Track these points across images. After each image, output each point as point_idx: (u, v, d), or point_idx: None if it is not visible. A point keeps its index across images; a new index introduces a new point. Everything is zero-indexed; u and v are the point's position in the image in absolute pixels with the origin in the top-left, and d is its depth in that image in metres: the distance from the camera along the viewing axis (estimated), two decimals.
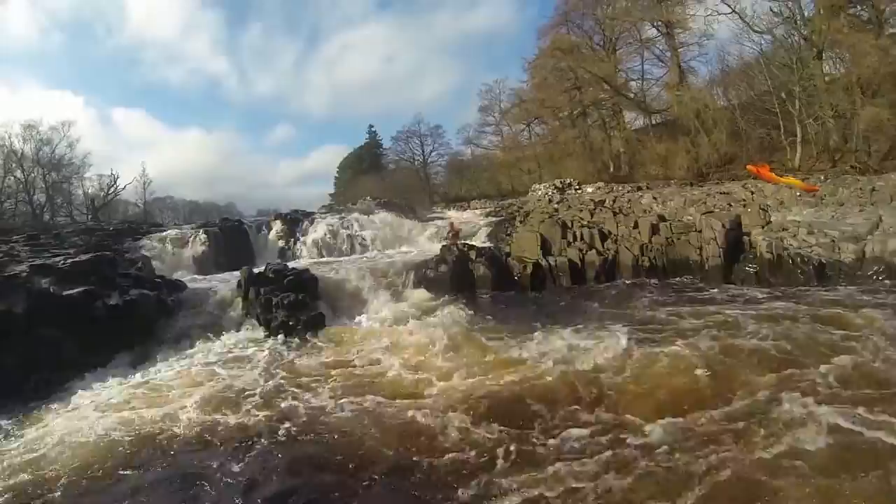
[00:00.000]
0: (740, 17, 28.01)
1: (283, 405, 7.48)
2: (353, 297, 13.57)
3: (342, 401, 7.39)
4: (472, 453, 5.78)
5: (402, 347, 9.73)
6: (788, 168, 23.54)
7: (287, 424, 6.79)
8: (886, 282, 11.93)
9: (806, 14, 26.46)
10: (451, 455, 5.77)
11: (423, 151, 50.89)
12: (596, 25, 36.17)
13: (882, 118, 22.14)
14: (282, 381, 8.48)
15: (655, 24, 33.26)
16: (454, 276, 14.66)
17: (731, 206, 16.90)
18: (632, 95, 34.71)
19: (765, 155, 25.26)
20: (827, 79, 25.87)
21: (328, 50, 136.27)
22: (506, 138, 44.23)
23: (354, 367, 8.98)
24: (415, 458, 5.77)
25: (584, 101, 35.30)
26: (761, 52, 28.30)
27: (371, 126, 61.74)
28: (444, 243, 17.36)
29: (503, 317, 11.73)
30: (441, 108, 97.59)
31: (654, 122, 34.31)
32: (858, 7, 26.77)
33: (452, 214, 28.89)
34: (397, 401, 7.31)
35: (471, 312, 12.08)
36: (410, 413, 6.82)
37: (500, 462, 5.59)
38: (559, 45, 36.16)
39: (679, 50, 33.16)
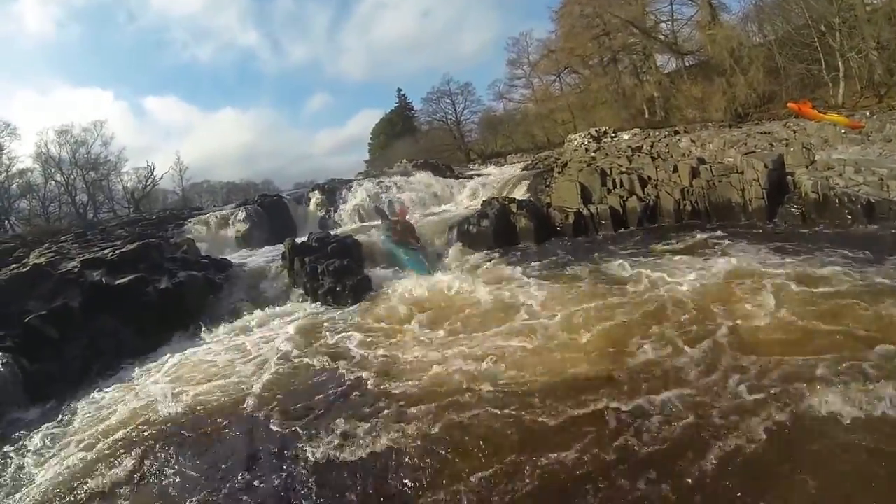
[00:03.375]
0: None
1: (341, 362, 7.78)
2: (391, 261, 13.75)
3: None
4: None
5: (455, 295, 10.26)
6: (831, 105, 22.82)
7: (350, 376, 7.20)
8: None
9: None
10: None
11: (454, 110, 50.33)
12: None
13: None
14: (335, 342, 8.73)
15: None
16: (497, 229, 14.74)
17: (772, 146, 16.41)
18: (662, 38, 33.96)
19: (806, 92, 24.55)
20: (868, 8, 25.09)
21: (362, 9, 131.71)
22: (536, 90, 43.59)
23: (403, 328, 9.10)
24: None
25: (614, 46, 34.67)
26: None
27: (400, 89, 61.29)
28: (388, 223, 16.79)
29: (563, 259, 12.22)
30: (483, 63, 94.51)
31: (686, 63, 33.60)
32: None
33: (491, 170, 28.78)
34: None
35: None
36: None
37: None
38: None
39: None
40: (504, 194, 18.63)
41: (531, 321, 8.27)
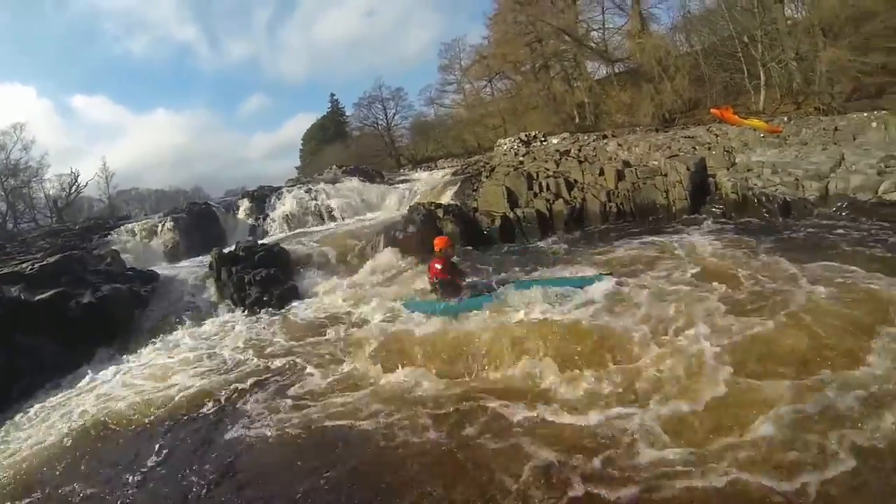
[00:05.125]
0: None
1: (255, 382, 7.39)
2: (325, 267, 13.56)
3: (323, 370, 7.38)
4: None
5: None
6: (753, 111, 23.85)
7: (265, 405, 6.65)
8: (844, 215, 11.91)
9: None
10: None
11: (386, 116, 49.99)
12: None
13: (843, 60, 22.38)
14: (256, 356, 8.42)
15: None
16: (423, 235, 14.32)
17: (695, 149, 16.88)
18: (593, 45, 34.55)
19: (729, 99, 25.56)
20: (789, 22, 26.29)
21: (306, 5, 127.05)
22: (468, 96, 44.00)
23: (327, 335, 8.93)
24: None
25: (546, 53, 35.08)
26: None
27: (333, 94, 60.98)
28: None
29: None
30: (424, 65, 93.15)
31: (616, 70, 34.44)
32: None
33: (421, 175, 28.41)
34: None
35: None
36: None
37: None
38: None
39: None
40: (432, 200, 18.48)
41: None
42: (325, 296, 11.65)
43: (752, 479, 3.99)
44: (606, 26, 35.29)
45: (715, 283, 7.74)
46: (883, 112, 18.28)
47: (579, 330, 6.64)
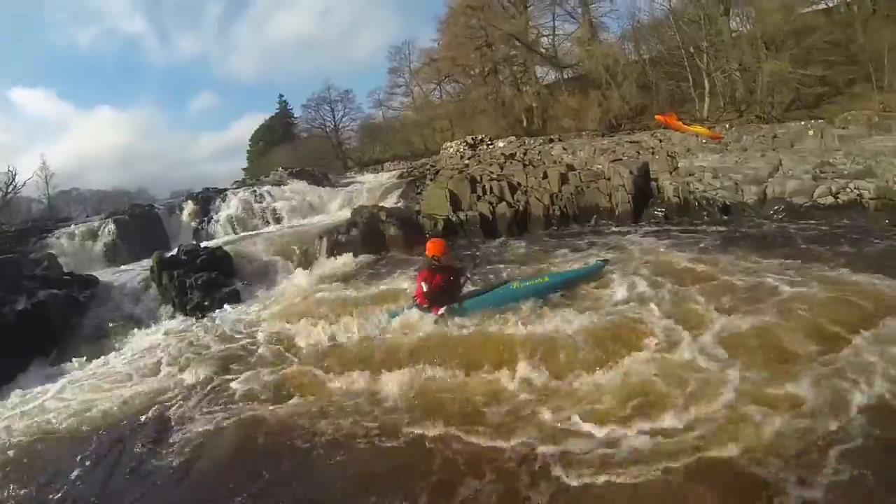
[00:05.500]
0: None
1: (193, 390, 7.04)
2: (268, 271, 13.31)
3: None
4: None
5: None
6: (697, 118, 24.43)
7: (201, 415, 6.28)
8: (781, 217, 12.41)
9: None
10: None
11: (334, 118, 49.02)
12: None
13: (784, 71, 23.47)
14: (196, 363, 7.89)
15: None
16: (365, 238, 14.35)
17: (639, 153, 17.04)
18: (543, 51, 34.78)
19: (675, 106, 25.86)
20: (733, 34, 27.32)
21: (259, 2, 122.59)
22: (416, 98, 43.53)
23: (267, 340, 8.53)
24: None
25: (495, 57, 35.06)
26: (671, 8, 29.40)
27: (281, 95, 59.72)
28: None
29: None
30: (376, 67, 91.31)
31: (565, 76, 34.74)
32: None
33: (367, 178, 28.33)
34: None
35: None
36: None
37: None
38: (470, 2, 35.35)
39: (591, 6, 33.71)
40: (376, 202, 18.36)
41: None
42: (267, 299, 11.36)
43: None
44: (557, 33, 35.53)
45: (697, 285, 7.61)
46: (820, 121, 19.15)
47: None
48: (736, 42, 26.87)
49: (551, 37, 35.51)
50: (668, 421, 4.49)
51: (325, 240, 14.28)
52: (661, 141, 18.46)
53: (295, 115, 54.51)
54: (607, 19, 34.82)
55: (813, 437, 4.06)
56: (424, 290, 7.55)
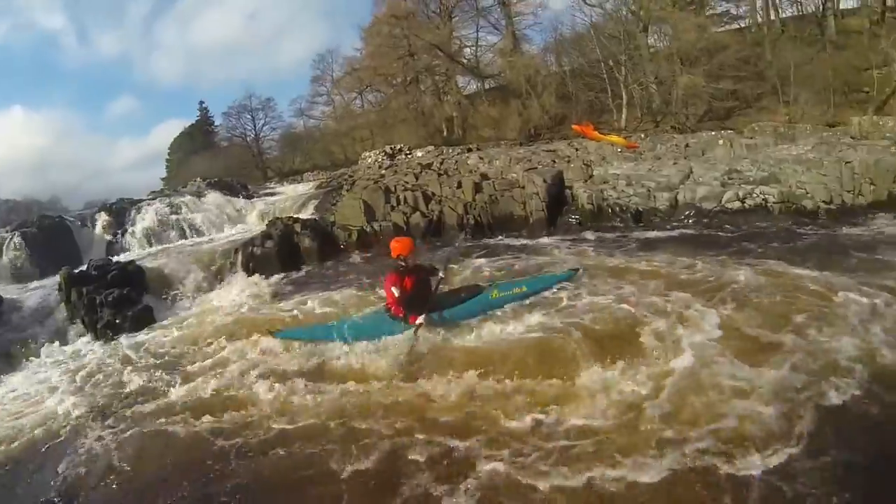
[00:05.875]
0: None
1: (101, 413, 6.64)
2: (183, 286, 12.63)
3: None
4: None
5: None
6: (615, 128, 25.09)
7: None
8: (691, 222, 13.11)
9: None
10: None
11: (254, 126, 47.51)
12: None
13: (698, 85, 24.67)
14: (104, 385, 7.58)
15: None
16: (280, 251, 13.96)
17: (555, 162, 17.16)
18: (465, 61, 34.94)
19: (593, 116, 26.73)
20: (651, 50, 28.65)
21: (185, 1, 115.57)
22: (338, 108, 42.76)
23: (182, 358, 8.20)
24: None
25: (418, 67, 34.84)
26: (592, 23, 30.26)
27: (202, 102, 57.12)
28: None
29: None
30: (301, 76, 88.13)
31: (487, 86, 35.13)
32: None
33: (286, 189, 27.76)
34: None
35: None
36: None
37: None
38: (395, 11, 34.99)
39: (514, 19, 34.04)
40: (293, 213, 17.97)
41: None
42: (181, 318, 10.77)
43: None
44: (480, 44, 35.78)
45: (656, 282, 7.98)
46: (730, 131, 19.84)
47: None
48: (653, 57, 28.13)
49: (474, 47, 35.82)
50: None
51: (240, 253, 13.74)
52: (577, 150, 18.67)
53: (216, 123, 52.66)
54: (530, 32, 35.34)
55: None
56: (396, 295, 6.82)
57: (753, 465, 3.91)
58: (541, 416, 4.85)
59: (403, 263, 7.00)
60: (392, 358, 6.46)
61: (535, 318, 6.91)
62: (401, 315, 6.82)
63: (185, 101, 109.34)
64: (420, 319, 6.66)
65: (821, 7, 29.03)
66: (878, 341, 5.39)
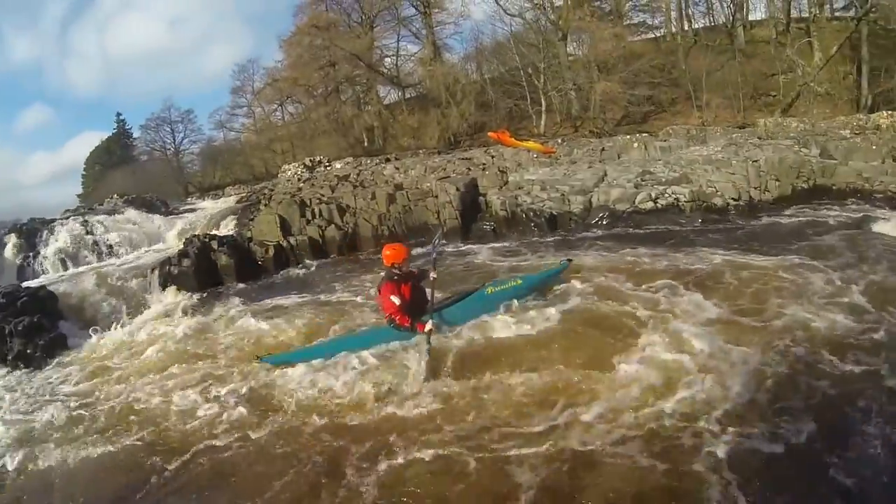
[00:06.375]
0: (495, 0, 30.50)
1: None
2: (98, 310, 11.78)
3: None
4: None
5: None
6: (534, 134, 25.94)
7: None
8: (605, 224, 13.42)
9: (554, 2, 30.02)
10: None
11: (174, 139, 45.68)
12: (355, 3, 35.57)
13: (615, 91, 26.07)
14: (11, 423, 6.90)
15: (414, 3, 34.17)
16: (198, 269, 13.43)
17: (470, 170, 17.10)
18: (385, 71, 34.99)
19: (513, 122, 27.72)
20: (570, 58, 29.76)
21: (104, 5, 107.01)
22: (258, 120, 41.90)
23: (96, 389, 7.45)
24: None
25: (338, 77, 34.52)
26: (512, 32, 31.33)
27: (119, 113, 53.49)
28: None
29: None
30: (223, 87, 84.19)
31: (407, 95, 35.26)
32: (603, 0, 32.11)
33: (207, 204, 26.64)
34: None
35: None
36: None
37: None
38: (316, 21, 34.69)
39: (435, 28, 34.34)
40: (211, 230, 17.49)
41: None
42: (97, 342, 9.91)
43: None
44: (401, 53, 35.95)
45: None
46: (645, 134, 20.44)
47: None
48: (572, 64, 29.17)
49: (395, 57, 35.89)
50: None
51: (157, 273, 13.14)
52: (493, 157, 18.72)
53: (134, 136, 50.26)
54: (451, 41, 35.76)
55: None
56: (398, 304, 6.37)
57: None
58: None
59: (398, 272, 6.61)
60: (405, 369, 6.06)
61: (532, 314, 6.81)
62: (407, 324, 6.39)
63: (102, 113, 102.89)
64: (429, 326, 6.25)
65: (731, 18, 31.37)
66: (814, 309, 6.23)
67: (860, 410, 4.44)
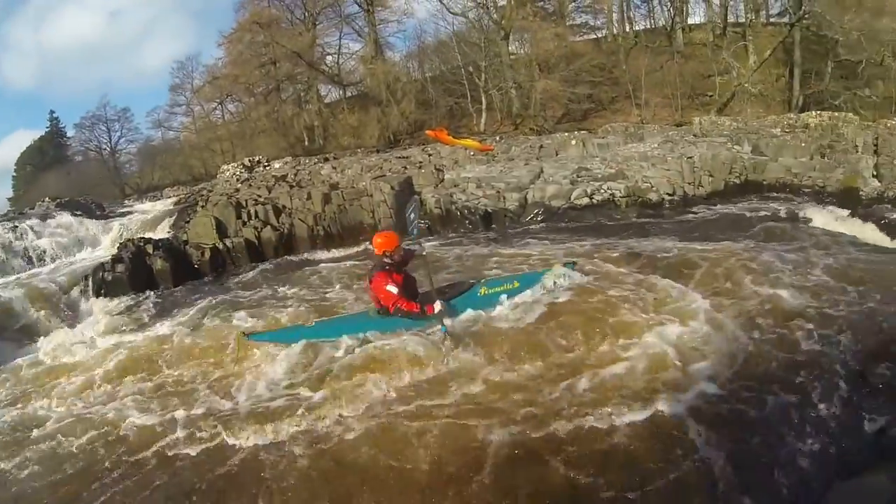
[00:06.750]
0: None
1: None
2: (28, 320, 11.24)
3: None
4: None
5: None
6: (475, 132, 26.13)
7: None
8: (540, 220, 13.58)
9: (498, 1, 30.17)
10: None
11: (110, 139, 43.63)
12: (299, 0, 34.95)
13: (555, 89, 26.55)
14: None
15: (358, 0, 33.77)
16: (132, 274, 12.92)
17: (406, 168, 17.04)
18: (326, 69, 34.55)
19: (454, 121, 28.04)
20: (511, 56, 29.91)
21: None
22: (197, 118, 40.39)
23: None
24: None
25: (279, 76, 33.91)
26: (455, 31, 31.56)
27: (52, 111, 51.07)
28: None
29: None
30: (164, 84, 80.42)
31: (348, 94, 34.92)
32: (546, 0, 32.60)
33: (145, 207, 25.50)
34: None
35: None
36: None
37: None
38: (258, 18, 33.77)
39: (378, 26, 34.09)
40: (147, 233, 16.96)
41: None
42: (28, 354, 9.21)
43: None
44: (343, 51, 35.58)
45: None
46: (584, 132, 20.76)
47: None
48: (513, 63, 29.40)
49: (337, 55, 35.49)
50: None
51: (90, 280, 12.60)
52: (430, 155, 18.68)
53: (68, 136, 47.69)
54: (394, 39, 35.63)
55: None
56: (396, 292, 6.16)
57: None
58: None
59: (390, 260, 6.33)
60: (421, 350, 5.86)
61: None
62: (416, 309, 6.19)
63: (35, 111, 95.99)
64: (438, 306, 6.09)
65: (670, 21, 32.40)
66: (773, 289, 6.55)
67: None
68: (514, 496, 3.89)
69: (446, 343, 5.76)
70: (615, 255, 8.86)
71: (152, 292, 12.83)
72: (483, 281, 7.16)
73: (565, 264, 7.54)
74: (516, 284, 6.99)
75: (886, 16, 22.41)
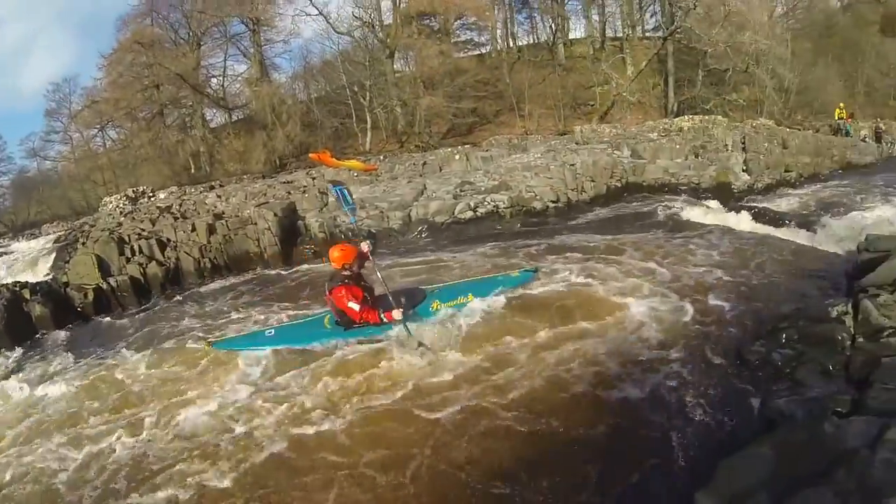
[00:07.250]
0: (325, 18, 30.92)
1: None
2: None
3: None
4: None
5: None
6: (360, 152, 26.54)
7: None
8: (424, 236, 13.67)
9: (384, 20, 30.79)
10: None
11: None
12: (183, 18, 33.36)
13: (440, 105, 27.33)
14: None
15: (244, 20, 33.06)
16: (9, 324, 11.72)
17: (290, 193, 16.87)
18: (211, 92, 33.66)
19: (339, 141, 28.26)
20: (396, 75, 30.82)
21: None
22: (76, 147, 37.56)
23: None
24: None
25: (162, 99, 32.47)
26: (340, 50, 31.91)
27: None
28: None
29: None
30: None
31: (234, 118, 34.27)
32: (431, 19, 32.98)
33: (21, 246, 23.74)
34: None
35: None
36: None
37: None
38: (140, 38, 32.01)
39: (263, 47, 33.82)
40: (22, 276, 15.73)
41: None
42: None
43: None
44: (228, 73, 34.81)
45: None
46: (468, 146, 21.43)
47: None
48: (398, 81, 30.15)
49: (222, 77, 34.63)
50: None
51: None
52: (314, 179, 18.57)
53: None
54: (280, 60, 35.19)
55: None
56: (358, 309, 6.17)
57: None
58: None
59: (349, 272, 6.32)
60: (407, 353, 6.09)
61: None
62: (377, 319, 6.25)
63: None
64: (397, 315, 6.17)
65: (552, 36, 34.72)
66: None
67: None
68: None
69: (412, 339, 6.09)
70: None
71: (31, 341, 11.74)
72: (435, 292, 7.17)
73: (525, 271, 7.70)
74: (470, 297, 6.99)
75: (748, 30, 25.19)
